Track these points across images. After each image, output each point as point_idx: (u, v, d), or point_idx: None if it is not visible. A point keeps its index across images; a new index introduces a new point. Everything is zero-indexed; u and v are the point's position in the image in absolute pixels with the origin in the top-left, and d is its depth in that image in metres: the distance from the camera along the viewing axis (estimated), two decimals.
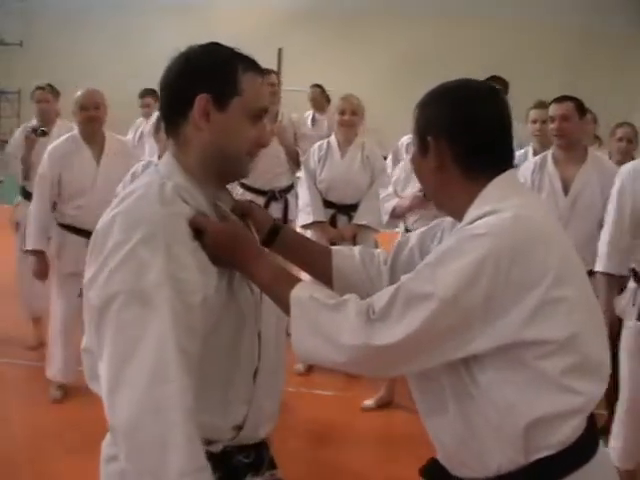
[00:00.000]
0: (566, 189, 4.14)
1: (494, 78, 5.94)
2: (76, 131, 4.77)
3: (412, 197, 4.66)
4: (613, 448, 3.66)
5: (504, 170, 1.74)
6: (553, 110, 4.21)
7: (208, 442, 1.67)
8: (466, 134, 1.72)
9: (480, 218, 1.62)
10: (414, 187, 4.66)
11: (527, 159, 4.87)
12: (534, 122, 5.19)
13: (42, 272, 4.75)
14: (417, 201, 4.61)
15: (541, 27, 12.19)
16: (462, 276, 1.54)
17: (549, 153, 4.28)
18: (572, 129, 4.18)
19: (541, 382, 1.59)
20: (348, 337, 1.59)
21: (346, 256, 2.03)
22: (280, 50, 12.07)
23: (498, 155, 1.76)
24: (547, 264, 1.58)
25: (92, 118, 4.65)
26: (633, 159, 4.64)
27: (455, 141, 1.72)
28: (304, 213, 5.28)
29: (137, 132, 7.40)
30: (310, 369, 5.41)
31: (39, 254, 4.70)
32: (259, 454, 1.80)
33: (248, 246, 1.73)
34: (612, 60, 12.07)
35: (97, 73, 8.65)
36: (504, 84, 6.06)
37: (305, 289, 1.69)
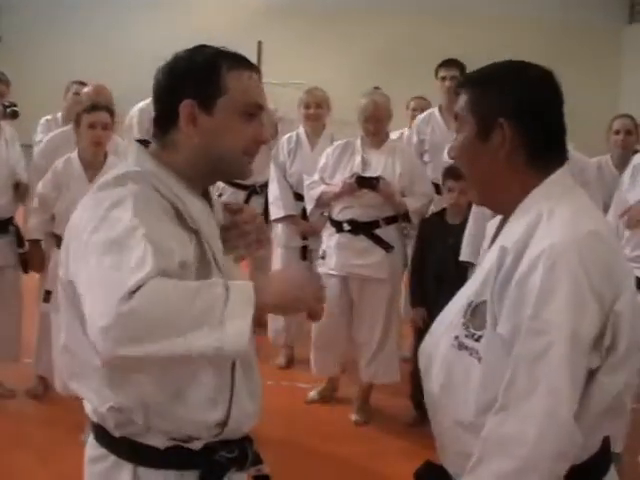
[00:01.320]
0: None
1: (451, 62, 5.53)
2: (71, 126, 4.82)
3: (343, 183, 4.51)
4: None
5: (561, 164, 1.67)
6: None
7: (188, 439, 1.69)
8: (541, 119, 1.63)
9: (537, 224, 1.56)
10: (343, 174, 4.57)
11: None
12: None
13: (36, 263, 4.59)
14: (348, 187, 4.48)
15: (520, 22, 12.24)
16: (568, 310, 1.48)
17: None
18: None
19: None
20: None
21: None
22: (260, 43, 12.02)
23: (562, 146, 1.68)
24: (619, 271, 1.56)
25: None
26: (637, 152, 4.44)
27: (529, 126, 1.62)
28: (275, 207, 5.22)
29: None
30: (290, 363, 5.43)
31: (35, 243, 4.57)
32: (243, 449, 1.79)
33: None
34: (593, 55, 12.15)
35: (78, 69, 8.57)
36: (462, 68, 5.47)
37: None
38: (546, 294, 1.48)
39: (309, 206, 4.79)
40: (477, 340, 1.60)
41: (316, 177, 4.73)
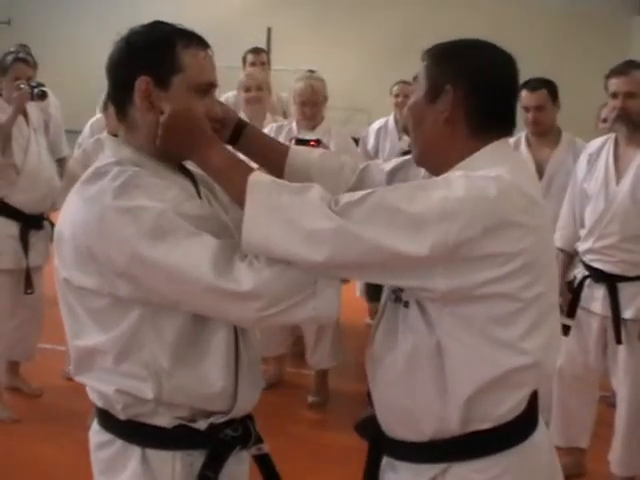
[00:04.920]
0: (540, 171, 4.14)
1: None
2: None
3: None
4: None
5: (505, 135, 1.74)
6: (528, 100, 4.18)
7: (195, 418, 1.71)
8: (489, 90, 1.70)
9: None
10: None
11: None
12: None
13: None
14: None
15: (523, 7, 12.17)
16: (441, 207, 1.52)
17: (522, 135, 4.26)
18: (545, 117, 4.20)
19: (494, 344, 1.60)
20: (311, 220, 1.53)
21: (303, 153, 2.01)
22: (269, 29, 12.04)
23: (507, 119, 1.75)
24: (520, 246, 1.57)
25: None
26: None
27: (476, 94, 1.68)
28: None
29: None
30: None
31: None
32: (246, 427, 1.80)
33: (203, 130, 1.71)
34: (601, 45, 12.05)
35: (86, 52, 8.62)
36: None
37: (264, 175, 1.65)
38: (444, 181, 1.57)
39: None
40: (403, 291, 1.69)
41: None
